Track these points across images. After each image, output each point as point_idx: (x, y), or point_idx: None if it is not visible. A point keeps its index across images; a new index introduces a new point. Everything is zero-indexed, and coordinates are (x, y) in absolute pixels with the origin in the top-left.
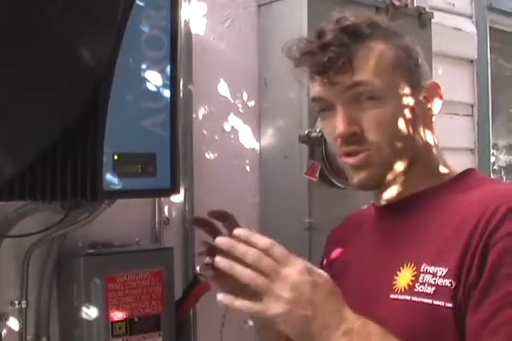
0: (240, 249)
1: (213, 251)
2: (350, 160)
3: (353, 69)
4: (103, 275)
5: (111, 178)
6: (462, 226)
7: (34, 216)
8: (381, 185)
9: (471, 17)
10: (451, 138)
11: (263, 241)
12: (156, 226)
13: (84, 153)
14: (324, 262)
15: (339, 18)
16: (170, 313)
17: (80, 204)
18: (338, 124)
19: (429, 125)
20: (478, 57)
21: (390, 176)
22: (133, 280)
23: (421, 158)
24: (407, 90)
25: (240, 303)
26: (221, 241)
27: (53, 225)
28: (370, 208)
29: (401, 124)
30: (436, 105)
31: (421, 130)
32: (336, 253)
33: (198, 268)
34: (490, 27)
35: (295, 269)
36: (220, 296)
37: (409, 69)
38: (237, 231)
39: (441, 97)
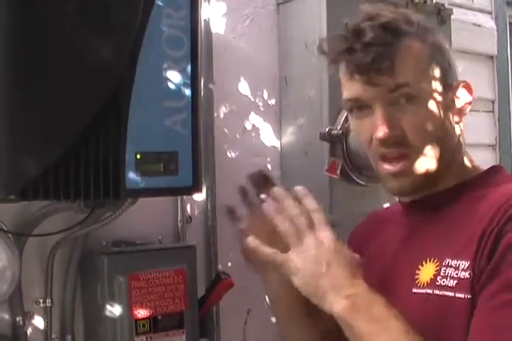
0: (291, 201)
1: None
2: (390, 168)
3: (395, 70)
4: (127, 274)
5: (133, 177)
6: (482, 219)
7: (58, 215)
8: (418, 192)
9: (490, 13)
10: (472, 134)
11: (313, 204)
12: (179, 224)
13: (107, 152)
14: None
15: (374, 14)
16: (193, 311)
17: (103, 203)
18: (378, 127)
19: (459, 125)
20: (498, 53)
21: (427, 182)
22: (156, 278)
23: (454, 157)
24: (440, 90)
25: (266, 250)
26: (278, 190)
27: (77, 224)
28: (396, 205)
29: (439, 126)
30: (467, 105)
31: (454, 130)
32: (358, 251)
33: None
34: (510, 23)
35: (325, 235)
36: (250, 239)
37: (443, 69)
38: (297, 188)
39: (471, 96)
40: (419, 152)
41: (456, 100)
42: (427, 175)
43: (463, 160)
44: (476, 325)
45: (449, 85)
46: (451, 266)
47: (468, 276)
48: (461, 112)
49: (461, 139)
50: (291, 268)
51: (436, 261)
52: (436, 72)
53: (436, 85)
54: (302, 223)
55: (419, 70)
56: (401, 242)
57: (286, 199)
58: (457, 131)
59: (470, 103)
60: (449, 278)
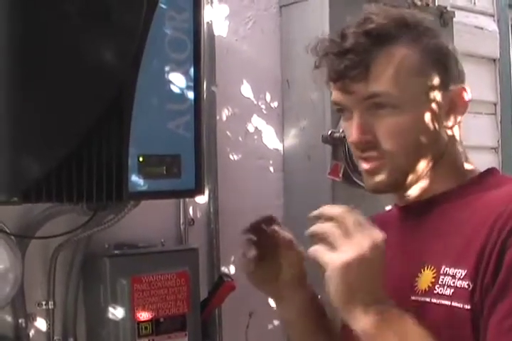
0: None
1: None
2: (365, 166)
3: (370, 78)
4: (129, 276)
5: (136, 180)
6: (481, 227)
7: (60, 217)
8: (396, 190)
9: (492, 15)
10: (474, 136)
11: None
12: (181, 227)
13: (110, 155)
14: None
15: (366, 18)
16: (195, 313)
17: (106, 206)
18: (352, 132)
19: (453, 130)
20: (501, 55)
21: (405, 181)
22: (159, 281)
23: (443, 160)
24: (429, 97)
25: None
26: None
27: (79, 227)
28: (393, 209)
29: (419, 132)
30: (462, 111)
31: (444, 135)
32: None
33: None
34: None
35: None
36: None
37: (436, 73)
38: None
39: (466, 103)
40: (392, 156)
41: (450, 105)
42: (401, 174)
43: (458, 163)
44: None
45: (443, 90)
46: (448, 275)
47: (466, 286)
48: (454, 117)
49: (455, 143)
50: (333, 269)
51: (433, 268)
52: (424, 79)
53: (423, 92)
54: (349, 221)
55: (399, 78)
56: (397, 248)
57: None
58: (448, 136)
59: (464, 109)
60: (445, 287)
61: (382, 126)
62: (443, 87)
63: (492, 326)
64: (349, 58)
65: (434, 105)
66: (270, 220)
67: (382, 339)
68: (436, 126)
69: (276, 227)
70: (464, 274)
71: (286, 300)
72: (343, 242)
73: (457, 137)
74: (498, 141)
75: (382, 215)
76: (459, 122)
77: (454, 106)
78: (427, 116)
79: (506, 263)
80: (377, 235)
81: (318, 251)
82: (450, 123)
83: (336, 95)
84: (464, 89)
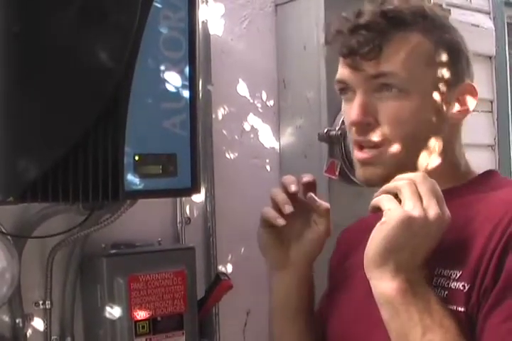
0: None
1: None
2: (359, 155)
3: (381, 57)
4: (126, 275)
5: (132, 179)
6: (481, 229)
7: (57, 217)
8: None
9: (488, 13)
10: (471, 134)
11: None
12: (178, 226)
13: (106, 155)
14: (333, 263)
15: (385, 0)
16: (193, 312)
17: (102, 205)
18: (352, 111)
19: (455, 126)
20: (497, 53)
21: (400, 173)
22: (156, 280)
23: (442, 159)
24: (437, 88)
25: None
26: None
27: (76, 226)
28: None
29: (421, 122)
30: (468, 107)
31: (445, 131)
32: (347, 254)
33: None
34: (508, 23)
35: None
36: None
37: (446, 67)
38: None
39: (473, 101)
40: (391, 142)
41: (455, 102)
42: (396, 167)
43: (456, 163)
44: None
45: (451, 85)
46: (442, 276)
47: (461, 287)
48: (460, 114)
49: (456, 142)
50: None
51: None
52: (435, 70)
53: (431, 82)
54: (425, 186)
55: (411, 63)
56: None
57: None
58: (450, 133)
59: (471, 107)
60: (439, 289)
61: (386, 108)
62: (451, 82)
63: (490, 329)
64: (362, 34)
65: (440, 98)
66: (311, 185)
67: (401, 309)
68: (439, 120)
69: (312, 194)
70: (459, 275)
71: (286, 272)
72: (413, 200)
73: (458, 136)
74: (494, 139)
75: (372, 217)
76: (462, 121)
77: (461, 103)
78: (431, 108)
79: (508, 267)
80: (446, 212)
81: (383, 199)
82: (453, 120)
83: (342, 72)
84: (473, 87)
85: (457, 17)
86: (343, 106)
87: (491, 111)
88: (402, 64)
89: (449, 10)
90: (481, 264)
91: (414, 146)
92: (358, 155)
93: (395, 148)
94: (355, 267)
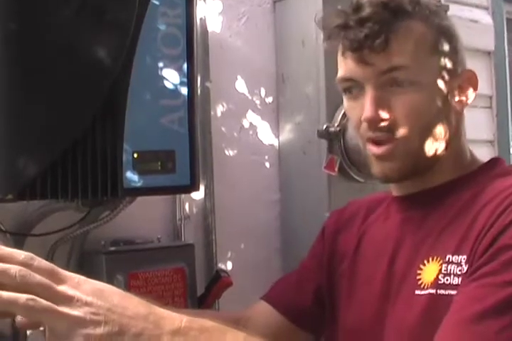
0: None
1: None
2: (375, 150)
3: (391, 50)
4: (125, 273)
5: (131, 176)
6: (481, 213)
7: (56, 215)
8: (406, 178)
9: (487, 8)
10: (470, 130)
11: (22, 254)
12: (177, 223)
13: (104, 152)
14: (324, 243)
15: None
16: (193, 309)
17: (101, 202)
18: (366, 108)
19: (460, 115)
20: (496, 48)
21: (417, 168)
22: (155, 277)
23: (449, 149)
24: (443, 77)
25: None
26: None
27: (75, 223)
28: (382, 196)
29: (433, 113)
30: (470, 95)
31: (452, 120)
32: (332, 241)
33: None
34: (507, 18)
35: (75, 282)
36: None
37: (448, 55)
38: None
39: (475, 87)
40: (406, 138)
41: (458, 89)
42: (413, 160)
43: (462, 152)
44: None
45: (453, 73)
46: (452, 262)
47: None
48: (463, 102)
49: (461, 130)
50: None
51: (438, 258)
52: (440, 58)
53: (438, 71)
54: (39, 282)
55: (419, 54)
56: (396, 241)
57: None
58: (456, 122)
59: (473, 94)
60: (452, 276)
61: (401, 103)
62: (453, 68)
63: (461, 290)
64: (369, 27)
65: (446, 86)
66: None
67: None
68: (447, 109)
69: None
70: (466, 259)
71: None
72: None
73: (462, 124)
74: (493, 135)
75: (364, 201)
76: (464, 109)
77: (464, 89)
78: (440, 98)
79: (498, 244)
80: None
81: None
82: (459, 107)
83: (348, 69)
84: (474, 73)
85: (456, 13)
86: (348, 103)
87: (490, 107)
88: (412, 56)
89: (448, 5)
90: (477, 247)
91: (427, 137)
92: (374, 150)
93: (411, 141)
94: (369, 260)
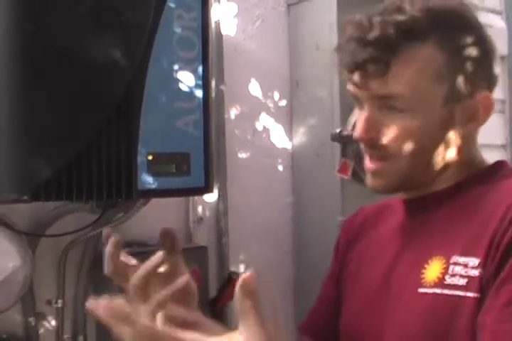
0: None
1: None
2: (368, 165)
3: (388, 77)
4: None
5: (145, 178)
6: (492, 215)
7: (70, 216)
8: (398, 191)
9: (500, 13)
10: (483, 134)
11: None
12: (190, 225)
13: (119, 154)
14: (338, 256)
15: (399, 7)
16: (205, 311)
17: (115, 204)
18: (357, 126)
19: (468, 136)
20: (509, 53)
21: (409, 184)
22: None
23: (455, 159)
24: (448, 103)
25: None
26: None
27: (89, 225)
28: (392, 200)
29: (427, 139)
30: (482, 119)
31: (457, 141)
32: (347, 248)
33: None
34: None
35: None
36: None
37: (461, 78)
38: None
39: (489, 111)
40: (397, 159)
41: (469, 113)
42: (404, 178)
43: (469, 159)
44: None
45: (464, 97)
46: (459, 264)
47: (478, 274)
48: (474, 125)
49: (469, 144)
50: None
51: (442, 258)
52: (447, 82)
53: (441, 99)
54: None
55: (419, 82)
56: (402, 242)
57: None
58: (463, 140)
59: (486, 118)
60: (458, 277)
61: (394, 127)
62: (466, 93)
63: (491, 310)
64: (369, 52)
65: (451, 112)
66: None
67: None
68: (450, 132)
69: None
70: (477, 263)
71: None
72: None
73: (472, 142)
74: (506, 139)
75: (374, 207)
76: (477, 132)
77: (474, 115)
78: (441, 123)
79: None
80: None
81: None
82: (467, 132)
83: (351, 84)
84: (488, 98)
85: None
86: (358, 112)
87: (503, 112)
88: (409, 85)
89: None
90: (491, 251)
91: (421, 159)
92: (367, 165)
93: (401, 162)
94: (373, 261)
